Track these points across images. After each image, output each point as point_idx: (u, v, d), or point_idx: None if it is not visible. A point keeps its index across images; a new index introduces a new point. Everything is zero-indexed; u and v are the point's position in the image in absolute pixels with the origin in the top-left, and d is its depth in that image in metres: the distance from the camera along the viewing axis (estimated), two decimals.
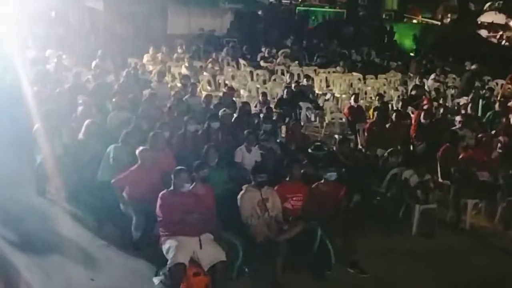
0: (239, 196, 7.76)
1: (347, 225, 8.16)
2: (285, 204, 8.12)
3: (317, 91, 17.12)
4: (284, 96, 14.30)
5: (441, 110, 13.83)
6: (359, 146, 12.28)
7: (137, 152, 8.32)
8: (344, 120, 14.51)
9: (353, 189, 8.97)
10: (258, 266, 7.56)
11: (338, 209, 8.38)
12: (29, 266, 7.44)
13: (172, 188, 7.33)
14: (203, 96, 13.11)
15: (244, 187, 7.86)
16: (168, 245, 6.95)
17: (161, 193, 7.28)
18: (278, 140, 10.97)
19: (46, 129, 9.69)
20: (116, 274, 7.44)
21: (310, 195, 8.28)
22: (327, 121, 14.81)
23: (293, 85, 15.25)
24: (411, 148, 11.70)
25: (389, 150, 10.45)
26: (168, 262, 6.81)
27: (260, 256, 7.56)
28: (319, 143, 10.37)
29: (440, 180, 10.60)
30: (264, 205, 7.76)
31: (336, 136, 13.26)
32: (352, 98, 14.32)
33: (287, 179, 8.30)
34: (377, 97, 15.08)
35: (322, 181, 8.45)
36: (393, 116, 12.73)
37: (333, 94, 17.03)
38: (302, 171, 8.43)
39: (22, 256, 7.68)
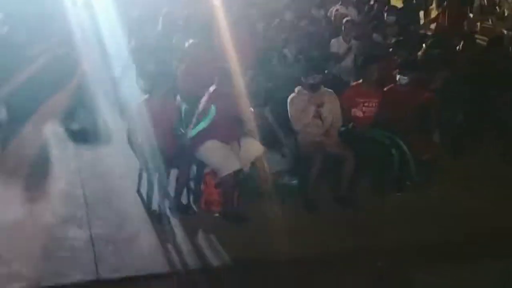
0: (288, 99, 6.72)
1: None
2: (354, 110, 6.92)
3: None
4: None
5: None
6: None
7: None
8: None
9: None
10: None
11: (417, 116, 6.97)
12: None
13: None
14: None
15: (296, 89, 6.76)
16: None
17: None
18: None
19: None
20: None
21: (384, 98, 6.91)
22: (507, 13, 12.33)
23: None
24: None
25: None
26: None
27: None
28: (439, 38, 8.44)
29: None
30: (318, 111, 6.62)
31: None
32: None
33: (361, 81, 7.01)
34: None
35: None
36: None
37: None
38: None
39: None
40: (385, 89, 7.00)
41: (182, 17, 9.45)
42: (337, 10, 10.14)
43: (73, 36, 9.49)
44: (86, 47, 9.36)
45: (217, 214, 6.22)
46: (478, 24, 12.07)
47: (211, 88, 6.26)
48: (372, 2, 10.07)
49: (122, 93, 8.45)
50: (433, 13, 10.55)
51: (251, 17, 9.05)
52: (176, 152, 6.16)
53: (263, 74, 7.59)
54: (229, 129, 6.23)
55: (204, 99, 6.20)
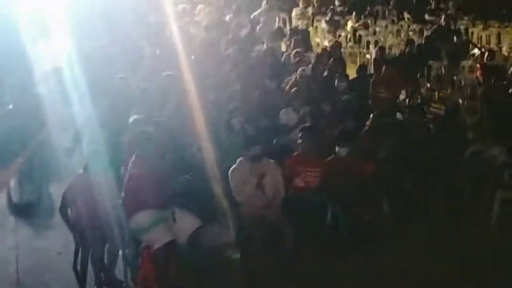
0: (229, 171, 6.61)
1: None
2: (296, 180, 6.84)
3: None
4: (407, 51, 12.31)
5: None
6: None
7: None
8: None
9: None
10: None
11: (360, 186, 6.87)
12: None
13: None
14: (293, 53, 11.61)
15: (238, 160, 6.66)
16: None
17: None
18: None
19: None
20: None
21: (326, 169, 6.85)
22: (463, 83, 12.47)
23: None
24: None
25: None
26: None
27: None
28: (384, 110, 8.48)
29: None
30: (259, 183, 6.50)
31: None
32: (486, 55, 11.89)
33: (304, 150, 6.98)
34: None
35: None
36: None
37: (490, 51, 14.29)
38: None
39: None
40: (327, 159, 6.92)
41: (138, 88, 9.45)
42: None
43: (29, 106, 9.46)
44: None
45: None
46: (436, 93, 12.21)
47: (133, 156, 6.19)
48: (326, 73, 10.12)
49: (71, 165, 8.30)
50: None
51: (204, 88, 9.02)
52: (109, 227, 5.99)
53: (210, 144, 7.47)
54: (159, 197, 6.12)
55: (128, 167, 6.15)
